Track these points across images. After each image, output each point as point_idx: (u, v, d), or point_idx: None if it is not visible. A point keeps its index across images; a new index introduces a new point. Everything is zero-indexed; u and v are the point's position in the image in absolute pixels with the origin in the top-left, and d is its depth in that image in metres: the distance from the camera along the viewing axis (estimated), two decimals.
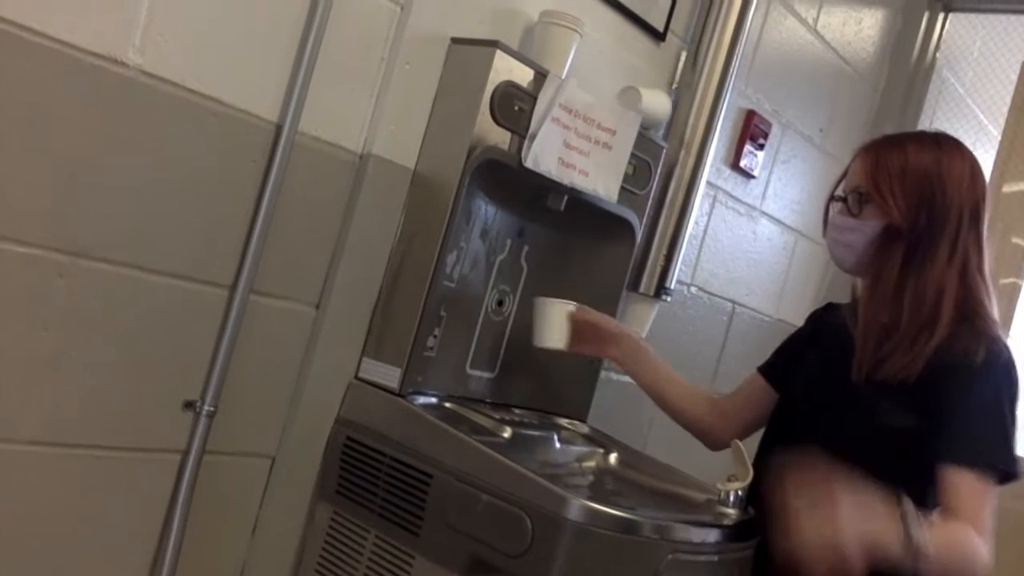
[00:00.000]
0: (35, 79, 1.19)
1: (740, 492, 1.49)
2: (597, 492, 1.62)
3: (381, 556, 1.51)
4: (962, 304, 1.45)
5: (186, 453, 1.44)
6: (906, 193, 1.45)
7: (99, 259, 1.29)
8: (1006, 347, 1.45)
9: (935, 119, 3.04)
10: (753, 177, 2.48)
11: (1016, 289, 2.99)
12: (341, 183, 1.54)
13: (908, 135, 1.55)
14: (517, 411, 1.81)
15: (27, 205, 1.22)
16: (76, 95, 1.23)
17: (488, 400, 1.81)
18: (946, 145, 1.50)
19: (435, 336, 1.67)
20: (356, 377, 1.60)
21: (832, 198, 1.56)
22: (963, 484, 1.40)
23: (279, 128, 1.43)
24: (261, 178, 1.43)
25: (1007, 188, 3.09)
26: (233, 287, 1.44)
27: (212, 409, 1.44)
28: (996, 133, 3.21)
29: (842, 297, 1.66)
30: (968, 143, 1.53)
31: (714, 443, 1.72)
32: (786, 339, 1.75)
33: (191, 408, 1.43)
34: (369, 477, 1.54)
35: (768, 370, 1.71)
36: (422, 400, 1.60)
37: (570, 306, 1.69)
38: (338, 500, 1.57)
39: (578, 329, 1.70)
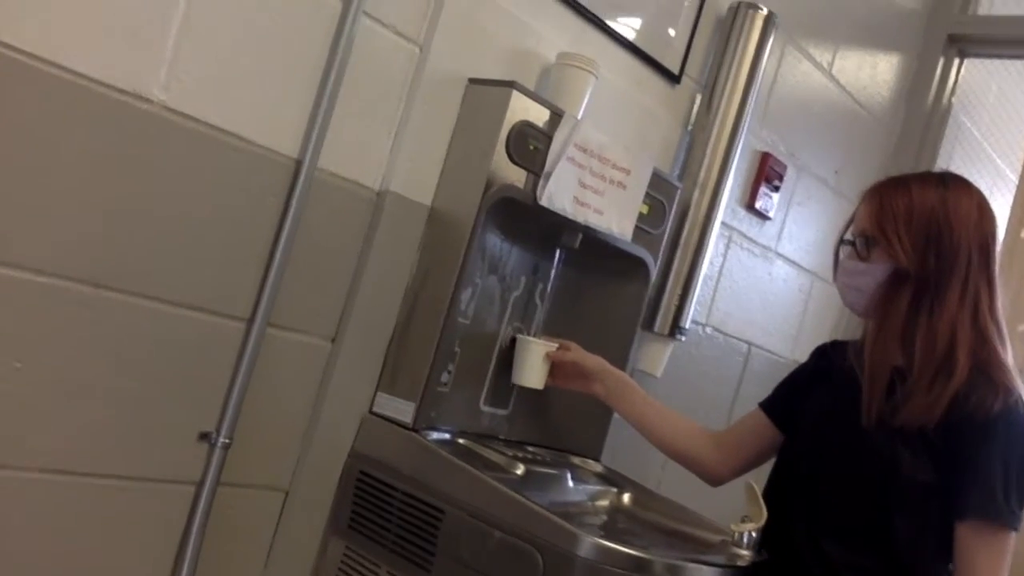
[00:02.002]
0: (62, 113, 1.22)
1: (754, 533, 1.48)
2: (609, 530, 1.61)
3: None
4: (976, 347, 1.42)
5: (200, 484, 1.44)
6: (912, 235, 1.43)
7: (120, 290, 1.31)
8: (1020, 399, 1.42)
9: (951, 163, 3.04)
10: (768, 218, 2.49)
11: None
12: (359, 219, 1.56)
13: (913, 176, 1.52)
14: (530, 448, 1.81)
15: (51, 237, 1.24)
16: (101, 130, 1.26)
17: (501, 437, 1.81)
18: (952, 183, 1.47)
19: (449, 372, 1.68)
20: (370, 411, 1.60)
21: (841, 242, 1.55)
22: (979, 541, 1.39)
23: (299, 164, 1.46)
24: (280, 213, 1.45)
25: None
26: (250, 320, 1.46)
27: (227, 441, 1.45)
28: (1014, 178, 3.21)
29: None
30: (985, 188, 1.49)
31: (711, 477, 1.70)
32: (790, 374, 1.71)
33: (206, 439, 1.44)
34: (382, 512, 1.54)
35: (770, 406, 1.67)
36: (435, 435, 1.61)
37: (550, 346, 1.72)
38: (350, 534, 1.57)
39: (562, 367, 1.73)
